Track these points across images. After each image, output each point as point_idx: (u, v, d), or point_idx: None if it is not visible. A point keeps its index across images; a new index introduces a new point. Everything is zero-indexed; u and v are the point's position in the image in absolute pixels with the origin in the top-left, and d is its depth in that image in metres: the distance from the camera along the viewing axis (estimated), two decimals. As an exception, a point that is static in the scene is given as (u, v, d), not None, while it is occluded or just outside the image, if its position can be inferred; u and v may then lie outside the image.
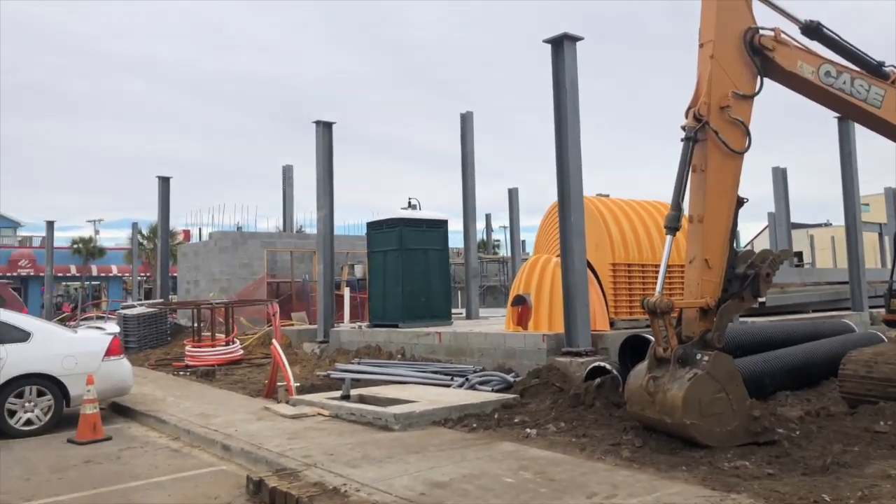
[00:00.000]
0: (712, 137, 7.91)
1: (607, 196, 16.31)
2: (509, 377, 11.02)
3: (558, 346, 11.16)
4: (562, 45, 11.35)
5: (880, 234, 29.98)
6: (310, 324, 21.04)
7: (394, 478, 6.46)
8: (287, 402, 10.50)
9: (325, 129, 17.29)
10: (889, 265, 21.56)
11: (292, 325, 21.26)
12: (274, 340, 11.96)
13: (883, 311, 10.51)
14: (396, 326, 15.33)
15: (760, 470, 6.46)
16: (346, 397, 10.15)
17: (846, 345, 11.10)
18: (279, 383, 10.92)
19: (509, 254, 31.67)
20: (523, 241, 33.38)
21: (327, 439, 8.23)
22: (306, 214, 65.26)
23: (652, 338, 7.81)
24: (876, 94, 8.68)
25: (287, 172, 28.10)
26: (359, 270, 24.57)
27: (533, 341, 11.58)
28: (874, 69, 8.93)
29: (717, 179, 7.98)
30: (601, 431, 7.98)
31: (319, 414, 9.70)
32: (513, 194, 26.08)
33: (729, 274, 8.03)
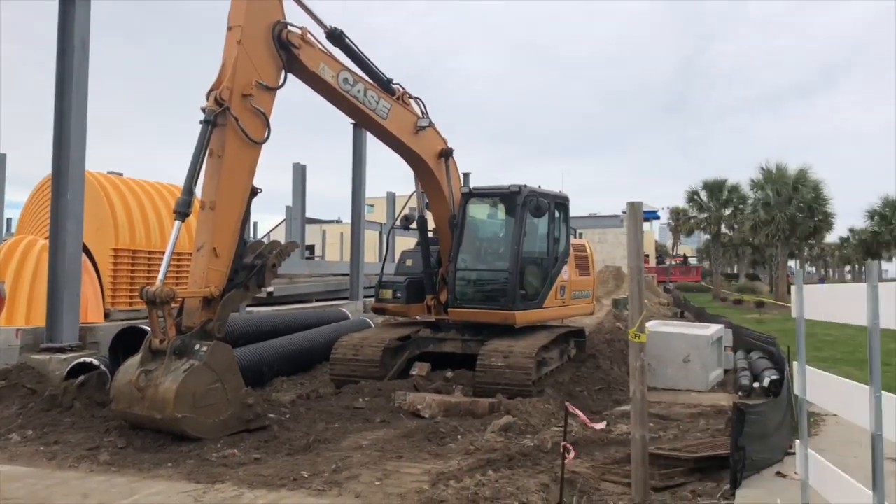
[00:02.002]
0: (232, 124, 7.96)
1: (120, 175, 15.13)
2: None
3: (37, 341, 9.83)
4: (73, -1, 10.00)
5: (381, 233, 34.87)
6: None
7: None
8: None
9: None
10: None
11: None
12: None
13: (373, 300, 12.18)
14: None
15: (248, 456, 6.74)
16: None
17: (339, 331, 12.56)
18: None
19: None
20: (9, 220, 28.69)
21: None
22: None
23: (149, 329, 7.48)
24: (384, 106, 9.97)
25: None
26: None
27: (3, 338, 9.95)
28: (384, 84, 10.27)
29: (233, 167, 8.06)
30: (79, 436, 7.29)
31: None
32: (-3, 161, 22.11)
33: (237, 264, 8.20)
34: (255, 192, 8.53)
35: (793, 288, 4.90)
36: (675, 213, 59.96)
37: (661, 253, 78.73)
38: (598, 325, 15.79)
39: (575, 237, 13.82)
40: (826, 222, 37.77)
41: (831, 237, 55.42)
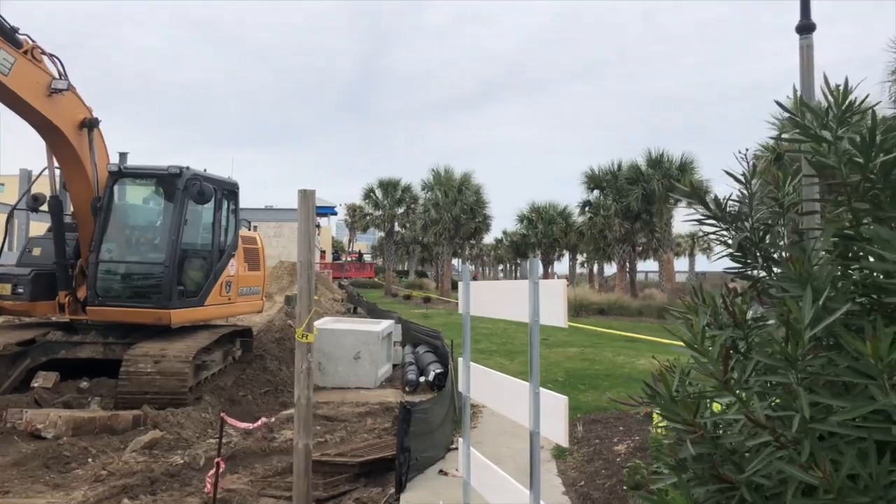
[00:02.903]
0: None
1: None
2: None
3: None
4: None
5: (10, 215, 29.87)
6: None
7: None
8: None
9: None
10: (15, 246, 21.50)
11: None
12: None
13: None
14: None
15: None
16: None
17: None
18: None
19: None
20: None
21: None
22: None
23: None
24: (5, 59, 8.12)
25: None
26: None
27: None
28: (5, 33, 8.37)
29: None
30: None
31: None
32: None
33: None
34: None
35: (460, 285, 4.90)
36: (352, 210, 61.75)
37: (338, 249, 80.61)
38: (268, 324, 15.18)
39: (249, 229, 13.00)
40: (485, 224, 41.99)
41: (488, 238, 61.98)
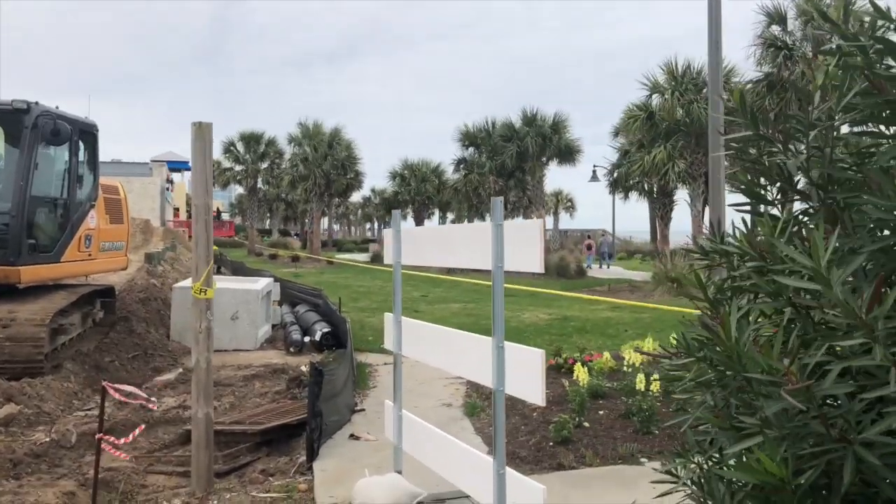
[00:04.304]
0: None
1: None
2: None
3: None
4: None
5: None
6: None
7: None
8: None
9: None
10: None
11: None
12: None
13: None
14: None
15: None
16: None
17: None
18: None
19: None
20: None
21: None
22: None
23: None
24: None
25: None
26: None
27: None
28: None
29: None
30: None
31: None
32: None
33: None
34: None
35: (387, 232, 4.47)
36: (212, 163, 58.62)
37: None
38: (129, 283, 13.94)
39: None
40: (357, 180, 41.04)
41: (355, 196, 60.96)
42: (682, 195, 26.59)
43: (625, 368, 7.53)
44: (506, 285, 3.24)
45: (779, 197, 2.23)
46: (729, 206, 2.67)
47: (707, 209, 23.35)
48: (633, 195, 37.68)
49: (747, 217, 2.12)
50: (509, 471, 3.17)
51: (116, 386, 4.69)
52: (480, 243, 3.29)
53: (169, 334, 11.15)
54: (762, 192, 2.21)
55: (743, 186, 2.23)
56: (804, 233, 1.95)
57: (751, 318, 1.97)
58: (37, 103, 8.72)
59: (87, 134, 9.86)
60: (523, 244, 3.04)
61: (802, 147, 2.03)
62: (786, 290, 1.87)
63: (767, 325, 2.03)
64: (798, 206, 2.26)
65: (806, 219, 2.12)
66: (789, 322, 1.88)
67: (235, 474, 5.38)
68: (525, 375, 3.01)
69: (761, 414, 1.64)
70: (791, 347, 1.59)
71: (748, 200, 2.31)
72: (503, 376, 3.16)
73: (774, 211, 2.27)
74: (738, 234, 2.17)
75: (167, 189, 48.16)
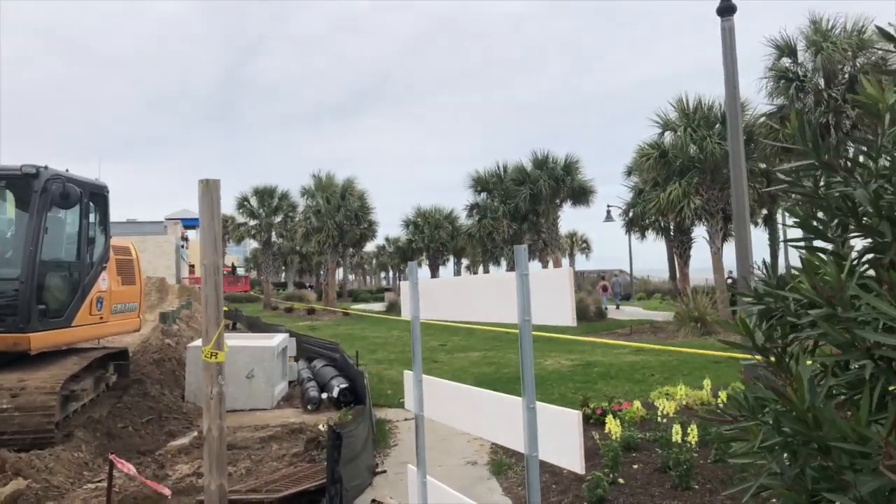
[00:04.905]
0: None
1: None
2: None
3: None
4: None
5: None
6: None
7: None
8: None
9: None
10: None
11: None
12: None
13: None
14: None
15: None
16: None
17: None
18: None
19: None
20: None
21: None
22: None
23: None
24: None
25: None
26: None
27: None
28: None
29: None
30: None
31: None
32: None
33: None
34: None
35: (403, 286, 4.27)
36: (224, 221, 59.07)
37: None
38: (143, 344, 13.79)
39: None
40: (371, 230, 41.13)
41: (369, 246, 61.08)
42: (699, 232, 26.29)
43: (658, 418, 7.20)
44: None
45: (839, 233, 2.01)
46: (784, 241, 2.45)
47: (724, 245, 23.05)
48: (650, 234, 37.39)
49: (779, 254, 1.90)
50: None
51: (123, 462, 4.45)
52: (505, 295, 3.07)
53: (184, 395, 10.92)
54: (820, 227, 1.99)
55: (798, 220, 2.02)
56: (878, 274, 1.73)
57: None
58: (46, 167, 8.70)
59: (97, 196, 9.81)
60: (552, 295, 2.82)
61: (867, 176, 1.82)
62: (862, 341, 1.64)
63: (834, 382, 1.80)
64: (859, 243, 2.04)
65: (873, 256, 1.89)
66: (870, 378, 1.64)
67: (252, 548, 5.09)
68: (561, 439, 2.75)
69: (855, 493, 1.40)
70: (891, 417, 1.36)
71: (802, 236, 2.09)
72: (536, 440, 2.90)
73: (830, 247, 2.05)
74: (791, 274, 1.94)
75: (182, 246, 48.42)
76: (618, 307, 33.48)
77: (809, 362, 1.76)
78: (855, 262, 1.86)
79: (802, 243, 2.07)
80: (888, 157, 1.80)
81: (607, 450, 5.73)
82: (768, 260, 2.02)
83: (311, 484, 5.86)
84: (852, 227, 1.97)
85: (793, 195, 2.19)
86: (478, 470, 6.62)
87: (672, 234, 30.90)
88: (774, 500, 1.99)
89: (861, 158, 1.75)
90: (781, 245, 32.86)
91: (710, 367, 11.90)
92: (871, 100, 1.70)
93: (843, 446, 1.52)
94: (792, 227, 2.06)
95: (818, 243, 2.05)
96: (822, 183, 1.91)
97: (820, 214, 2.04)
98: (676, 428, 5.99)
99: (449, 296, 3.80)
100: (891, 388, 1.58)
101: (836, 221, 2.01)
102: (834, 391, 1.84)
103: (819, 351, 1.98)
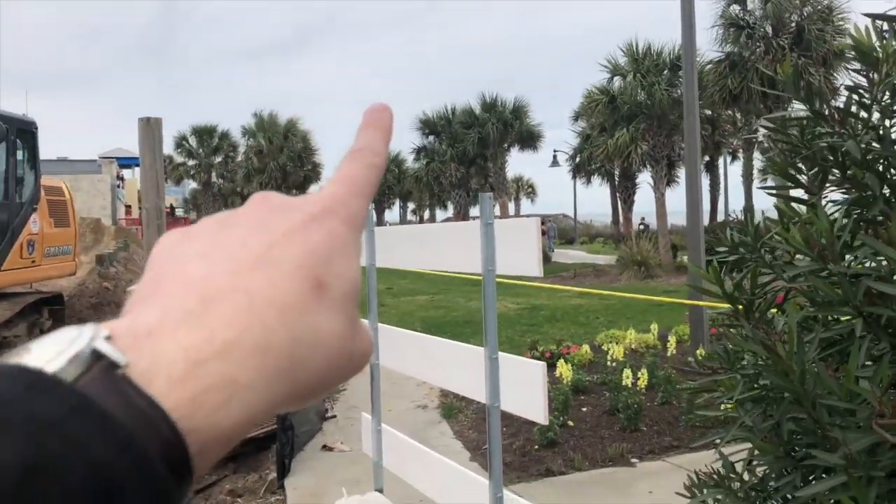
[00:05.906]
0: None
1: None
2: None
3: None
4: None
5: None
6: None
7: None
8: None
9: None
10: None
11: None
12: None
13: None
14: None
15: None
16: None
17: None
18: None
19: None
20: None
21: None
22: None
23: None
24: None
25: None
26: None
27: None
28: None
29: None
30: None
31: None
32: None
33: None
34: None
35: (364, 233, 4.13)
36: (163, 160, 57.15)
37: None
38: (79, 287, 13.31)
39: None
40: (315, 172, 40.40)
41: (314, 188, 60.18)
42: (644, 178, 26.64)
43: (607, 362, 7.32)
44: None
45: (817, 183, 1.95)
46: (759, 188, 2.40)
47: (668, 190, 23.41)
48: (595, 179, 37.76)
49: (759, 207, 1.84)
50: (507, 493, 2.89)
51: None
52: (468, 245, 2.98)
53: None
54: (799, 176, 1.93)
55: (776, 168, 1.95)
56: (868, 228, 1.68)
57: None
58: (-32, 100, 8.14)
59: (24, 132, 9.27)
60: (518, 245, 2.74)
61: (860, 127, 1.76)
62: (854, 298, 1.61)
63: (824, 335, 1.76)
64: (833, 196, 1.99)
65: (859, 211, 1.85)
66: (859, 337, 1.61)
67: (201, 495, 5.00)
68: (524, 390, 2.72)
69: (845, 450, 1.37)
70: (878, 373, 1.32)
71: (778, 185, 2.03)
72: (497, 391, 2.86)
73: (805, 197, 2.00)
74: (765, 224, 1.89)
75: (118, 186, 46.79)
76: (552, 251, 33.99)
77: (798, 314, 1.72)
78: (849, 215, 1.81)
79: (776, 192, 2.01)
80: (878, 109, 1.74)
81: (558, 393, 5.79)
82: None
83: (259, 431, 5.77)
84: (833, 178, 1.91)
85: (771, 144, 2.12)
86: (428, 413, 6.64)
87: (617, 179, 31.26)
88: (746, 453, 1.97)
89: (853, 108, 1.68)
90: (722, 192, 33.59)
91: (653, 311, 12.16)
92: (865, 48, 1.62)
93: (833, 403, 1.48)
94: (765, 174, 1.99)
95: (794, 194, 2.00)
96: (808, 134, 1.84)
97: (799, 165, 1.98)
98: (627, 372, 6.09)
99: (408, 244, 3.68)
100: (879, 345, 1.55)
101: (814, 170, 1.95)
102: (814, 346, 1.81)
103: (790, 304, 1.95)
